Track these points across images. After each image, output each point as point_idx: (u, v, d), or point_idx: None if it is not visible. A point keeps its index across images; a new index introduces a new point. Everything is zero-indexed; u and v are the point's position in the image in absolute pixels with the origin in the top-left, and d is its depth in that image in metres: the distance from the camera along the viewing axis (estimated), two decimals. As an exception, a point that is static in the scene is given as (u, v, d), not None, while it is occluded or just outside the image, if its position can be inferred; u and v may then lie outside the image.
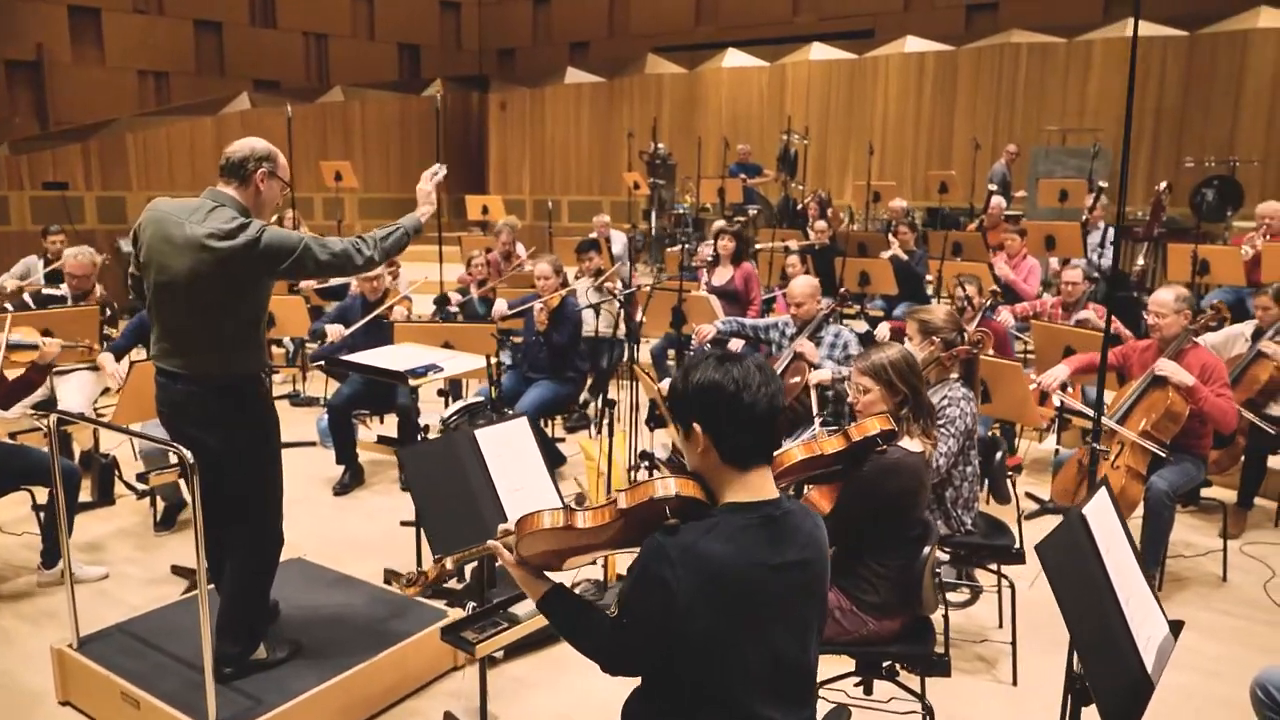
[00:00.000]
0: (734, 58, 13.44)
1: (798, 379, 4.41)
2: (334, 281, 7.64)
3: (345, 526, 4.77)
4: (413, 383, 3.35)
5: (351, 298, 5.78)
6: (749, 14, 14.37)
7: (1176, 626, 2.08)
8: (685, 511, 1.77)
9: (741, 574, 1.69)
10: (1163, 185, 8.04)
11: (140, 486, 5.06)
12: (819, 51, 12.86)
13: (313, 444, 6.06)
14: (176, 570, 4.15)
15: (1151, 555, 4.00)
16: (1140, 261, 8.15)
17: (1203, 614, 3.88)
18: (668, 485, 1.79)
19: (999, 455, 4.12)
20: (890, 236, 8.92)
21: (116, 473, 5.07)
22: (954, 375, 3.47)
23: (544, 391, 5.14)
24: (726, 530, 1.71)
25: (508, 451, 2.75)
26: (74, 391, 5.07)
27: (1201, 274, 6.95)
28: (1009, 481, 4.30)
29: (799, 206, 11.00)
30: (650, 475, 4.26)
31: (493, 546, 1.99)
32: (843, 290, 5.07)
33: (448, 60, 16.46)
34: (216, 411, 2.79)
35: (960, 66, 11.92)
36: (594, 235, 8.68)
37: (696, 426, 1.77)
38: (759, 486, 1.78)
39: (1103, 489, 2.11)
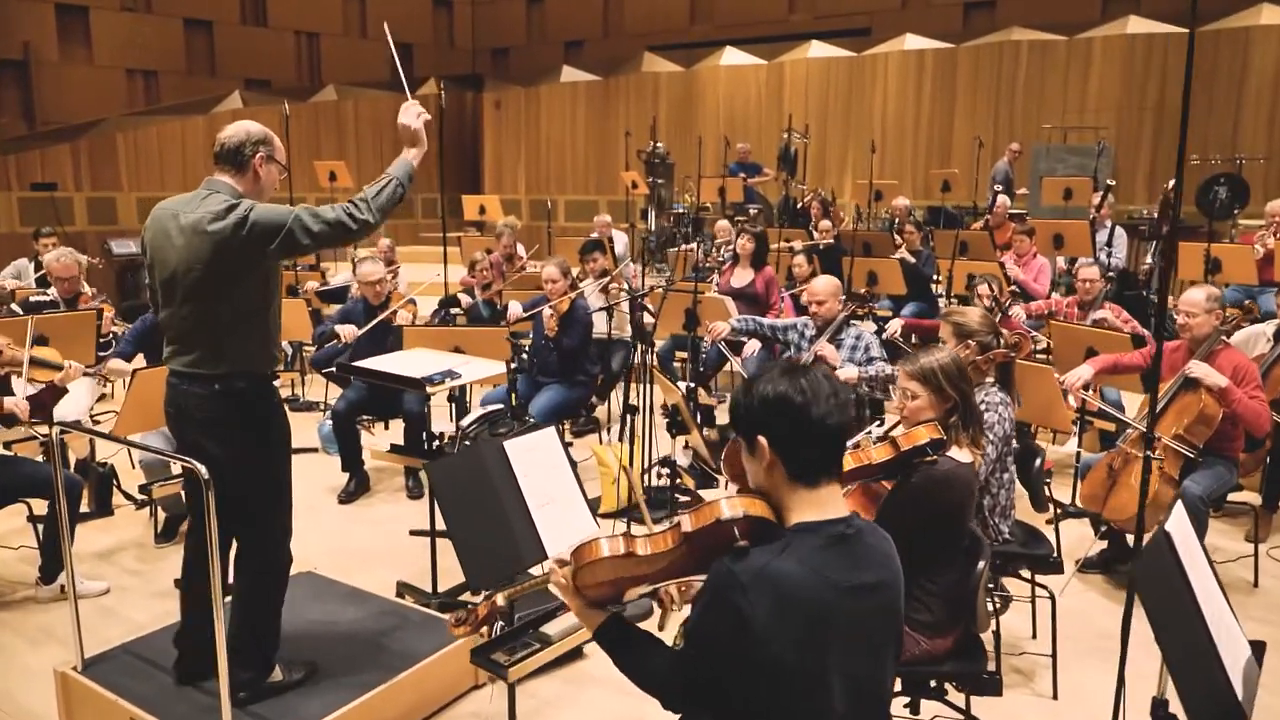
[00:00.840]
0: (731, 56, 13.34)
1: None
2: (335, 282, 7.51)
3: (353, 536, 4.63)
4: (430, 390, 3.22)
5: (353, 301, 5.64)
6: (744, 12, 14.27)
7: (1259, 648, 1.97)
8: (753, 533, 1.65)
9: (818, 598, 1.57)
10: (1170, 183, 7.96)
11: (140, 497, 4.92)
12: (817, 50, 12.77)
13: (314, 450, 5.92)
14: (179, 583, 4.00)
15: (1185, 562, 3.90)
16: (1149, 260, 8.08)
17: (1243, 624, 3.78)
18: (734, 506, 1.67)
19: (1038, 462, 4.01)
20: (895, 235, 8.84)
21: (115, 483, 4.92)
22: (990, 379, 3.36)
23: (554, 396, 5.01)
24: (799, 552, 1.60)
25: (537, 463, 2.63)
26: (70, 399, 4.91)
27: (1213, 273, 6.88)
28: (1046, 488, 4.18)
29: (799, 206, 10.91)
30: (673, 483, 4.16)
31: (551, 581, 1.87)
32: (864, 291, 4.95)
33: (441, 59, 16.30)
34: (219, 413, 2.68)
35: (960, 64, 11.84)
36: (597, 235, 8.56)
37: (762, 441, 1.66)
38: (829, 504, 1.67)
39: (1179, 504, 2.00)
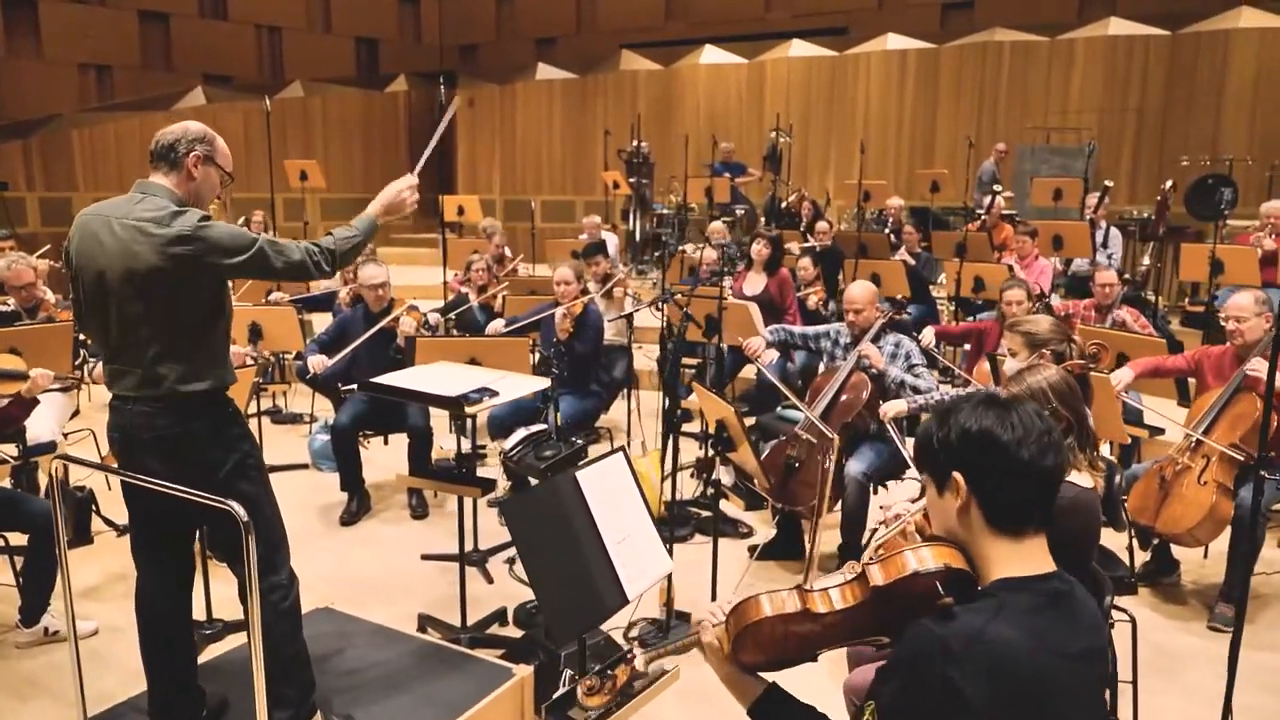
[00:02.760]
0: (711, 54, 13.14)
1: (857, 394, 4.09)
2: (316, 289, 7.14)
3: (362, 564, 4.32)
4: (469, 411, 2.94)
5: (343, 308, 5.32)
6: (721, 10, 14.08)
7: None
8: (950, 588, 1.42)
9: (1041, 670, 1.34)
10: (1168, 184, 7.94)
11: (121, 523, 4.55)
12: (799, 48, 12.63)
13: (304, 466, 5.58)
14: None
15: (1241, 578, 3.76)
16: (1146, 261, 8.04)
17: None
18: (925, 557, 1.44)
19: (1117, 479, 3.83)
20: (891, 236, 8.71)
21: (94, 507, 4.54)
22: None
23: (567, 407, 4.73)
24: (1014, 614, 1.37)
25: (609, 493, 2.37)
26: (43, 417, 4.53)
27: (1216, 274, 6.82)
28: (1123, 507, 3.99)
29: (784, 205, 10.74)
30: (717, 503, 3.91)
31: (701, 643, 1.61)
32: (900, 296, 4.75)
33: (407, 55, 15.87)
34: (176, 438, 2.44)
35: (942, 64, 11.77)
36: (586, 236, 8.30)
37: (959, 480, 1.44)
38: (1035, 557, 1.45)
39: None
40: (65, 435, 4.93)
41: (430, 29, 16.39)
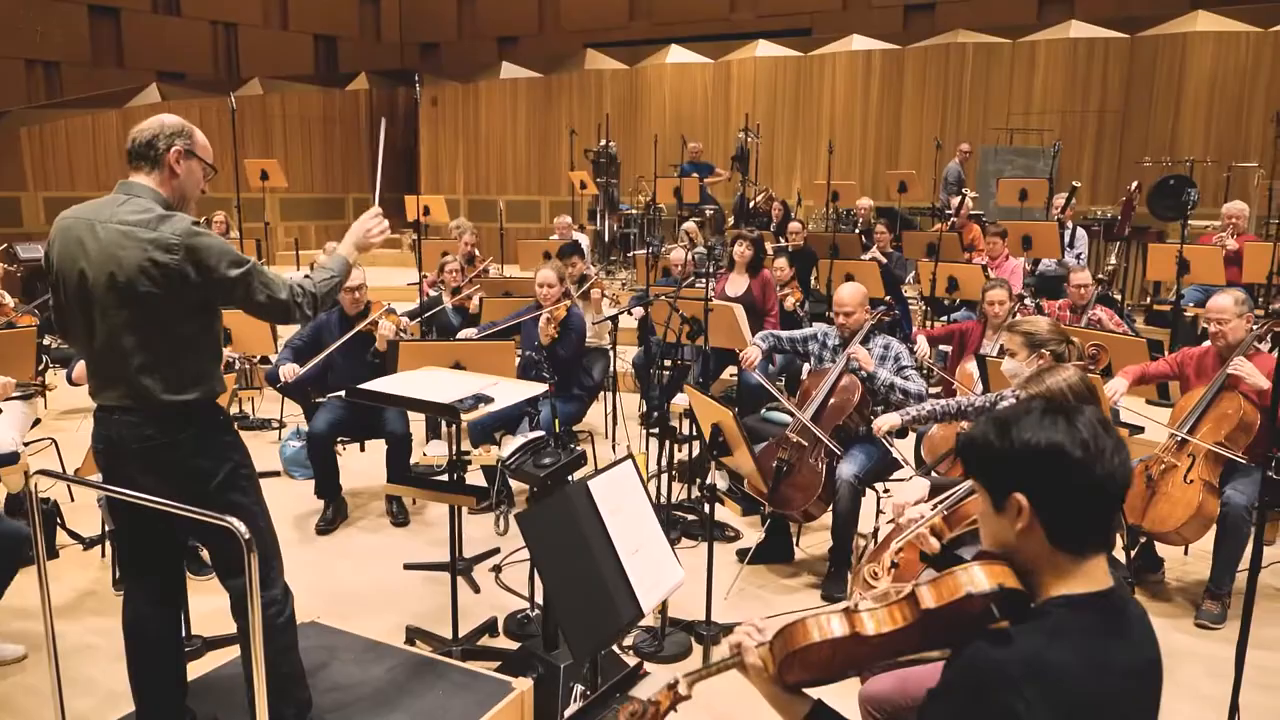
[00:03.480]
0: (677, 54, 13.11)
1: (848, 396, 4.07)
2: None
3: (342, 574, 4.20)
4: (465, 417, 2.85)
5: (325, 311, 5.17)
6: (685, 10, 14.06)
7: None
8: (1004, 608, 1.38)
9: (1101, 693, 1.30)
10: (1134, 185, 8.07)
11: (89, 536, 4.38)
12: (765, 49, 12.65)
13: (275, 474, 5.43)
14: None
15: (1229, 575, 3.81)
16: (1112, 261, 8.17)
17: (1289, 633, 3.70)
18: (978, 577, 1.39)
19: None
20: (862, 237, 8.75)
21: (59, 521, 4.36)
22: (1058, 392, 3.16)
23: (548, 412, 4.66)
24: (1073, 635, 1.32)
25: (621, 502, 2.30)
26: (3, 426, 4.33)
27: (1183, 273, 6.94)
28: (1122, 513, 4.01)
29: (751, 206, 10.75)
30: (712, 509, 3.85)
31: (747, 664, 1.55)
32: (888, 298, 4.74)
33: (367, 53, 15.62)
34: (164, 448, 2.34)
35: (907, 65, 11.87)
36: (573, 238, 8.22)
37: (1020, 499, 1.38)
38: (1094, 574, 1.39)
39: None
40: (26, 444, 4.72)
41: (390, 27, 16.16)
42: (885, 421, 3.53)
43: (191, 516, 2.10)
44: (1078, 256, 7.77)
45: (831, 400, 4.08)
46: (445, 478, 3.76)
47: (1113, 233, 8.42)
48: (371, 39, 15.95)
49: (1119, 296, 8.00)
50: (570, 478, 2.98)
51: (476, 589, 4.01)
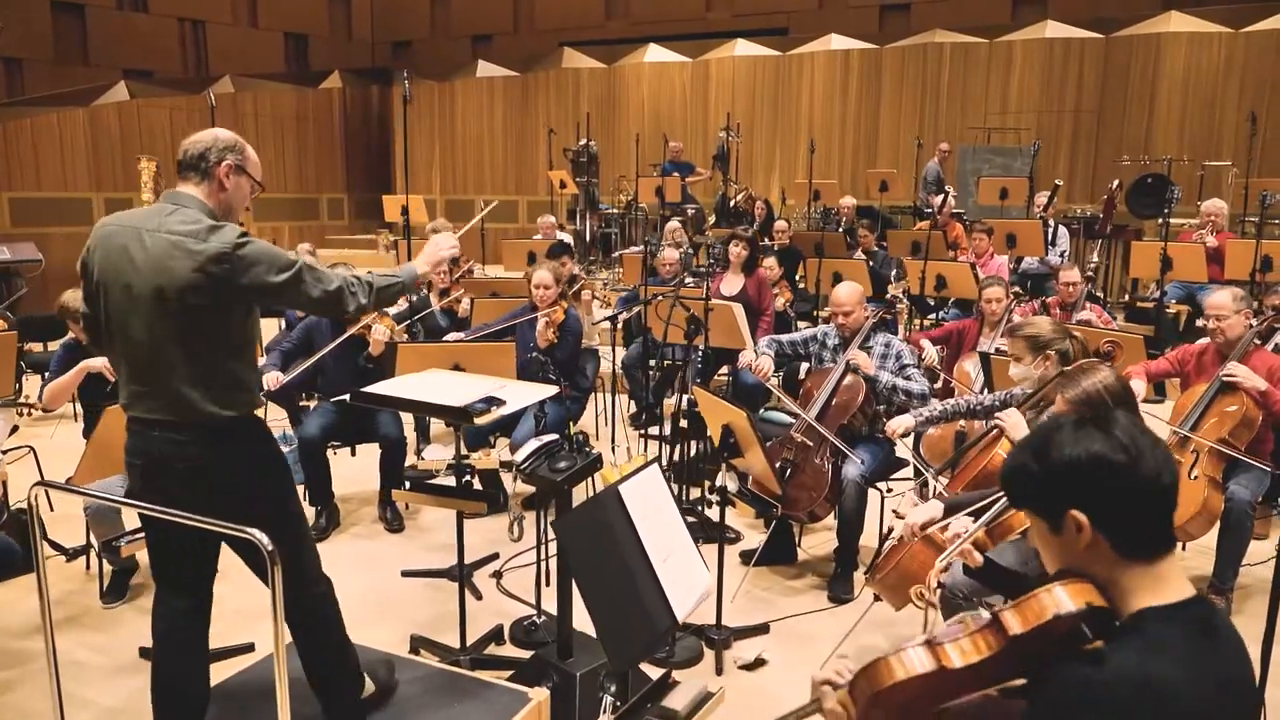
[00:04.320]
0: (655, 53, 13.06)
1: (852, 396, 4.03)
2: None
3: (338, 583, 3.99)
4: (477, 421, 2.77)
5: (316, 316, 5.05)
6: (661, 9, 14.01)
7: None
8: (1092, 625, 1.33)
9: (1204, 708, 1.26)
10: (1115, 183, 8.14)
11: (71, 548, 4.23)
12: (743, 48, 12.64)
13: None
14: (147, 654, 3.38)
15: (1232, 570, 3.83)
16: (1094, 259, 8.24)
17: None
18: (1062, 598, 1.34)
19: None
20: (846, 236, 8.75)
21: (31, 521, 4.19)
22: (1071, 391, 3.15)
23: (549, 414, 4.58)
24: (1169, 648, 1.28)
25: (650, 507, 2.24)
26: (-19, 435, 4.18)
27: (1165, 270, 7.01)
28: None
29: (732, 205, 10.72)
30: (722, 513, 3.78)
31: (825, 709, 1.49)
32: (890, 296, 4.72)
33: (339, 52, 15.40)
34: (209, 467, 2.33)
35: (885, 65, 11.92)
36: (557, 237, 8.13)
37: (1077, 515, 1.34)
38: (1172, 579, 1.36)
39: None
40: (4, 453, 4.56)
41: (362, 25, 15.95)
42: (900, 424, 3.50)
43: (220, 531, 2.03)
44: (1061, 254, 7.83)
45: (835, 400, 4.05)
46: (446, 482, 3.68)
47: (1094, 231, 8.49)
48: (343, 37, 15.73)
49: (1100, 294, 8.07)
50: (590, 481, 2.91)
51: (478, 595, 3.92)
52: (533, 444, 2.78)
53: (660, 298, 4.80)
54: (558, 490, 2.71)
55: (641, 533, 2.14)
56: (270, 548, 1.90)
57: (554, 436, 2.81)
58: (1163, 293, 7.15)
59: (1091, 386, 2.32)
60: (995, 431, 3.14)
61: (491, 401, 2.87)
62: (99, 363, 3.64)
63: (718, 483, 3.47)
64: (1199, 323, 7.20)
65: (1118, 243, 8.46)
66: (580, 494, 3.05)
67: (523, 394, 2.97)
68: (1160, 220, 8.76)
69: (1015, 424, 2.97)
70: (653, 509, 2.24)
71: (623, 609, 1.99)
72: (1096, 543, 1.34)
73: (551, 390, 3.03)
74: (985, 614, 1.41)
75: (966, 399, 3.47)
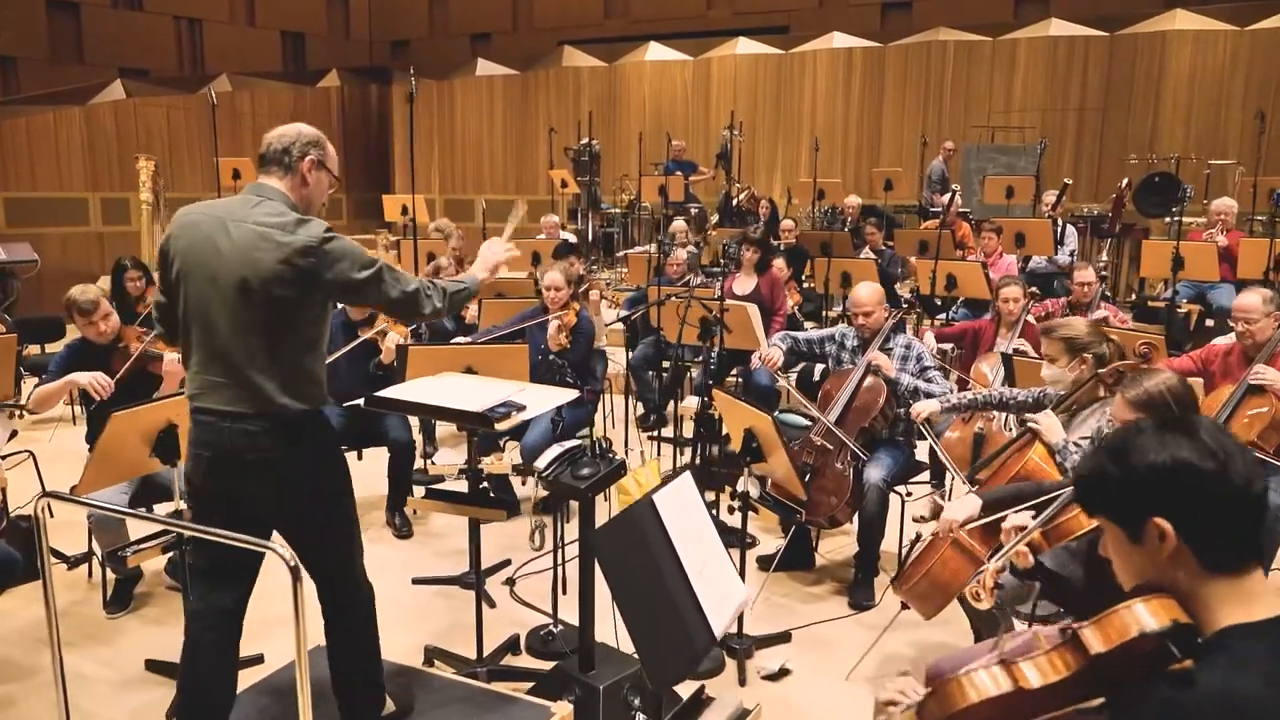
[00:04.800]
0: (656, 51, 12.97)
1: (873, 398, 3.95)
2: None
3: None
4: (498, 426, 2.69)
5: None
6: (661, 8, 13.92)
7: None
8: (1179, 644, 1.25)
9: None
10: (1124, 182, 8.07)
11: (73, 556, 4.14)
12: (745, 46, 12.55)
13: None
14: (154, 666, 3.30)
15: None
16: (1104, 257, 8.17)
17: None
18: (1144, 615, 1.25)
19: None
20: (850, 235, 8.67)
21: (36, 532, 4.10)
22: (1102, 394, 3.07)
23: (575, 416, 4.50)
24: (1256, 663, 1.20)
25: (684, 517, 2.15)
26: (-20, 441, 4.09)
27: (1177, 269, 6.94)
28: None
29: (735, 204, 10.64)
30: (744, 519, 3.70)
31: None
32: (907, 297, 4.64)
33: (336, 50, 15.28)
34: (282, 461, 2.35)
35: (888, 63, 11.84)
36: (561, 237, 8.04)
37: (1161, 523, 1.26)
38: (1261, 595, 1.28)
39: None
40: (3, 458, 4.47)
41: (360, 23, 15.84)
42: (925, 407, 3.42)
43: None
44: (1070, 254, 7.76)
45: (856, 403, 3.96)
46: (457, 487, 3.59)
47: (1102, 230, 8.42)
48: (340, 36, 15.61)
49: (1109, 294, 7.99)
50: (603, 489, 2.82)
51: (492, 604, 3.83)
52: (554, 450, 2.69)
53: (674, 298, 4.70)
54: (582, 498, 2.62)
55: (677, 545, 2.06)
56: (293, 563, 1.82)
57: (576, 442, 2.72)
58: (1175, 292, 7.08)
59: (1154, 387, 2.23)
60: (1027, 435, 3.06)
61: (511, 406, 2.79)
62: (85, 379, 3.52)
63: (739, 488, 3.37)
64: (1208, 321, 7.16)
65: (1125, 242, 8.39)
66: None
67: (542, 398, 2.88)
68: (1168, 219, 8.75)
69: (1050, 427, 2.89)
70: (687, 519, 2.16)
71: (661, 626, 1.91)
72: (1180, 554, 1.27)
73: (571, 394, 2.94)
74: (1051, 629, 1.33)
75: (999, 391, 3.39)
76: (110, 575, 3.79)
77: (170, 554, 3.44)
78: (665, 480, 2.21)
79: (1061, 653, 1.29)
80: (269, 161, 2.39)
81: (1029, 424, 2.95)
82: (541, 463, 2.70)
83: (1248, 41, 10.27)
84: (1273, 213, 7.74)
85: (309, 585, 2.33)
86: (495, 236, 2.85)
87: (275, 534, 2.54)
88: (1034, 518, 2.23)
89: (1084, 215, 9.10)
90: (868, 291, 4.10)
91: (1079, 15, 11.06)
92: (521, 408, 2.81)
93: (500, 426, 2.68)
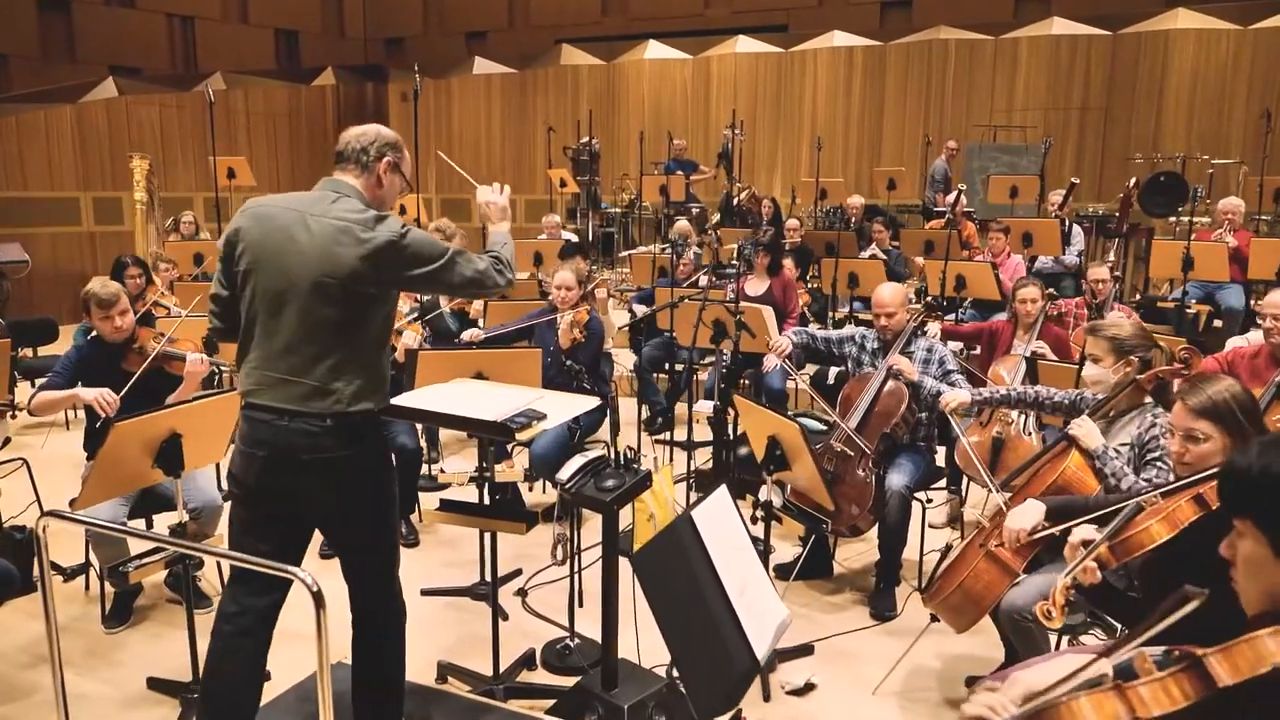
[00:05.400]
0: (656, 50, 12.86)
1: (894, 403, 3.85)
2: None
3: (349, 602, 3.87)
4: (519, 437, 2.58)
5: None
6: (659, 6, 13.80)
7: None
8: None
9: None
10: (1132, 181, 8.00)
11: (69, 567, 4.01)
12: (745, 45, 12.45)
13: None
14: (156, 684, 3.17)
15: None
16: (1111, 257, 8.09)
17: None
18: (1276, 648, 1.16)
19: None
20: (857, 235, 8.58)
21: (37, 551, 3.97)
22: (1149, 400, 2.97)
23: (579, 424, 4.39)
24: None
25: (722, 534, 2.05)
26: (-27, 448, 3.96)
27: (1187, 269, 6.87)
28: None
29: (735, 203, 10.54)
30: (767, 529, 3.61)
31: None
32: (929, 299, 4.55)
33: (331, 48, 15.12)
34: (343, 461, 2.30)
35: (889, 62, 11.76)
36: (562, 236, 7.94)
37: None
38: None
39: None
40: (-3, 466, 4.33)
41: (354, 21, 15.68)
42: (954, 397, 3.31)
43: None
44: (1078, 254, 7.68)
45: (877, 408, 3.86)
46: (468, 496, 3.48)
47: (1108, 229, 8.36)
48: (335, 33, 15.46)
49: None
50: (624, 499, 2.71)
51: (504, 616, 3.71)
52: (577, 460, 2.58)
53: (688, 300, 4.59)
54: (607, 511, 2.52)
55: (717, 564, 1.95)
56: (316, 589, 1.71)
57: (599, 453, 2.61)
58: (1184, 293, 7.01)
59: (1218, 394, 2.13)
60: (1063, 444, 2.97)
61: (532, 415, 2.68)
62: (91, 395, 3.39)
63: (761, 497, 3.27)
64: (1216, 322, 7.09)
65: (1131, 242, 8.32)
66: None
67: (563, 406, 2.77)
68: (1173, 219, 8.69)
69: (1089, 432, 2.80)
70: (725, 536, 2.05)
71: (705, 651, 1.80)
72: None
73: (592, 402, 2.83)
74: (1156, 650, 1.24)
75: (1036, 389, 3.29)
76: (109, 588, 3.67)
77: (174, 568, 3.32)
78: (698, 495, 2.10)
79: (1179, 680, 1.19)
80: (346, 159, 2.38)
81: (1068, 430, 2.85)
82: (564, 474, 2.59)
83: (1250, 40, 10.22)
84: (1279, 213, 7.68)
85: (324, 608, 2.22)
86: (482, 185, 2.74)
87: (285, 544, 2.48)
88: (1097, 530, 2.13)
89: (1089, 215, 9.04)
90: (891, 292, 4.00)
91: (1080, 14, 11.00)
92: (542, 416, 2.70)
93: (521, 437, 2.57)
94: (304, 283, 2.23)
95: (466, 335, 5.09)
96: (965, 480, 4.57)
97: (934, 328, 4.73)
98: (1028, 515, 2.55)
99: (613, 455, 2.65)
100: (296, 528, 2.45)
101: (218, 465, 4.05)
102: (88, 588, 3.92)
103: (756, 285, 5.55)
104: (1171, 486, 2.07)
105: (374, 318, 2.32)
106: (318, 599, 1.72)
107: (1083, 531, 2.15)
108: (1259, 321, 4.03)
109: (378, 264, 2.23)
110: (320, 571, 2.36)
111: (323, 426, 2.25)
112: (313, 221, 2.26)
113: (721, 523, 2.08)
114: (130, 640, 3.52)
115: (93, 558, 3.79)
